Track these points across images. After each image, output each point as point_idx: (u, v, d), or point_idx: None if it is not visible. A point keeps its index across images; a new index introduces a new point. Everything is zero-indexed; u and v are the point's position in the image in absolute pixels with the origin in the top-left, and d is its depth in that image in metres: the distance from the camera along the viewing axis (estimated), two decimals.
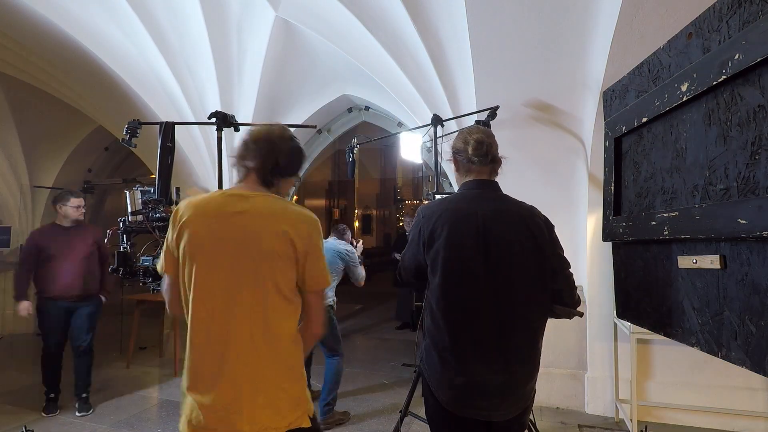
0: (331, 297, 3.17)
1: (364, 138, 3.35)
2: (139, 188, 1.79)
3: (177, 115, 4.03)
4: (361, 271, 3.38)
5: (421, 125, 3.25)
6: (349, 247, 3.36)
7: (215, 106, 4.01)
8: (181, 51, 3.77)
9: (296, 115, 4.51)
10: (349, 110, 4.79)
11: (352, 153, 3.11)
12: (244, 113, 4.20)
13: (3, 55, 4.01)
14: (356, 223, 12.48)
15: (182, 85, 3.91)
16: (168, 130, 1.79)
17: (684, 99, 1.57)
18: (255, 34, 3.74)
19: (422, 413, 2.38)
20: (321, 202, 14.50)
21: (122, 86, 3.77)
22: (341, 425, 3.12)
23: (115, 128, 4.65)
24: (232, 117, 1.85)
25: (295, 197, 5.44)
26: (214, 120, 1.82)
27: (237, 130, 1.90)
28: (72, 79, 4.06)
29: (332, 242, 3.35)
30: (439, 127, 2.86)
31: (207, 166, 4.38)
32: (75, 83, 4.13)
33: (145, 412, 3.31)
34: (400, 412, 2.45)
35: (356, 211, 13.63)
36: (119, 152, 6.47)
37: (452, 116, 3.24)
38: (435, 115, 2.83)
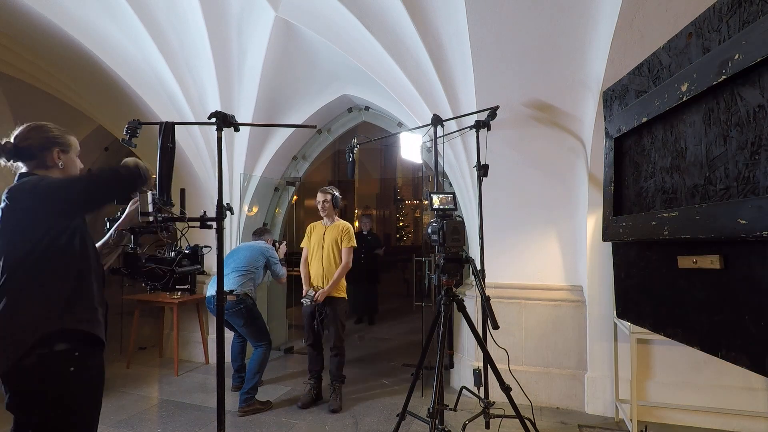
0: (250, 288, 3.50)
1: (364, 138, 3.34)
2: (151, 192, 1.78)
3: (177, 115, 4.03)
4: (280, 269, 3.78)
5: (420, 125, 3.25)
6: (268, 245, 3.79)
7: (215, 106, 4.01)
8: (181, 51, 3.76)
9: (296, 115, 4.51)
10: (349, 110, 4.79)
11: (352, 153, 3.11)
12: (244, 113, 4.20)
13: (3, 55, 4.00)
14: (356, 223, 12.47)
15: (182, 85, 3.91)
16: (168, 130, 1.78)
17: (684, 99, 1.57)
18: (255, 34, 3.74)
19: (422, 413, 2.39)
20: None
21: (122, 86, 3.76)
22: (262, 411, 3.30)
23: (115, 128, 4.65)
24: (232, 117, 1.84)
25: (295, 197, 5.43)
26: (214, 120, 1.81)
27: (237, 130, 1.90)
28: (72, 79, 4.06)
29: (254, 243, 3.81)
30: (439, 127, 2.86)
31: (207, 166, 4.38)
32: (75, 83, 4.13)
33: (145, 412, 3.31)
34: (398, 415, 2.46)
35: (356, 211, 13.62)
36: (119, 152, 6.46)
37: (452, 116, 3.24)
38: (435, 115, 2.83)
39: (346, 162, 3.17)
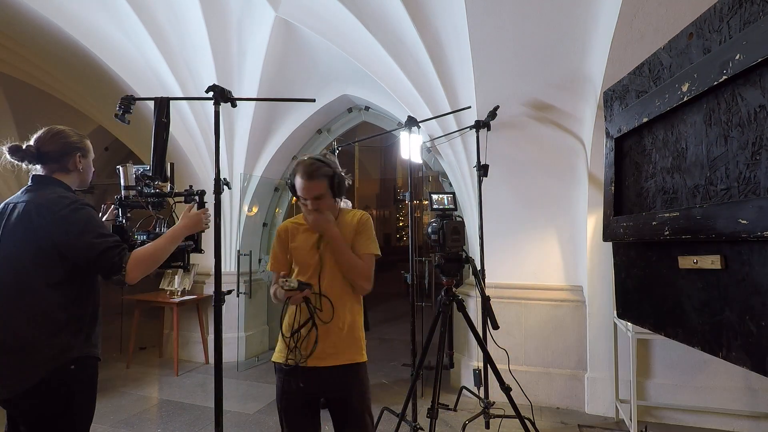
0: None
1: (344, 141, 3.33)
2: (133, 165, 1.77)
3: (177, 115, 4.03)
4: None
5: (399, 128, 3.21)
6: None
7: None
8: (181, 51, 3.76)
9: (296, 115, 4.51)
10: (349, 110, 4.79)
11: (333, 155, 3.05)
12: (244, 113, 4.19)
13: (3, 55, 4.00)
14: None
15: (182, 85, 3.90)
16: (163, 105, 1.76)
17: (685, 99, 1.56)
18: (255, 34, 3.74)
19: (422, 413, 2.39)
20: None
21: (122, 86, 3.76)
22: None
23: (115, 128, 4.65)
24: (230, 92, 1.84)
25: (294, 197, 5.43)
26: (211, 94, 1.81)
27: (234, 105, 1.90)
28: (72, 79, 4.06)
29: None
30: (438, 128, 2.85)
31: (205, 160, 4.37)
32: (75, 83, 4.13)
33: (145, 412, 3.31)
34: (398, 415, 2.45)
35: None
36: (119, 152, 6.46)
37: (432, 117, 3.20)
38: (409, 116, 2.81)
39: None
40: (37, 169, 1.51)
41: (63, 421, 1.38)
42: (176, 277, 4.50)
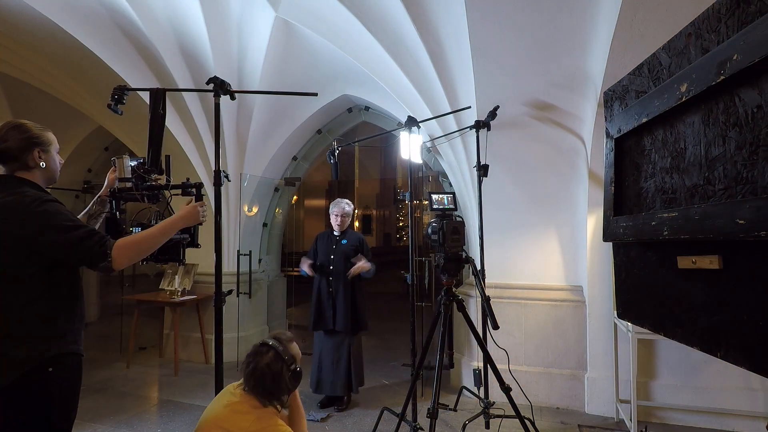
0: None
1: (344, 141, 3.33)
2: (129, 157, 1.73)
3: (177, 115, 4.03)
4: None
5: (400, 128, 3.21)
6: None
7: None
8: (181, 51, 3.77)
9: (296, 115, 4.52)
10: (349, 110, 4.79)
11: (333, 156, 3.04)
12: (244, 113, 4.19)
13: (3, 55, 4.01)
14: (356, 223, 12.48)
15: (183, 86, 3.91)
16: (159, 96, 1.74)
17: (683, 99, 1.57)
18: (255, 34, 3.74)
19: (422, 413, 2.39)
20: (321, 202, 14.51)
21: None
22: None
23: (115, 128, 4.65)
24: (229, 85, 1.84)
25: (295, 197, 5.44)
26: (211, 86, 1.81)
27: (233, 98, 1.90)
28: (72, 79, 4.06)
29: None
30: (438, 128, 2.85)
31: (205, 161, 4.37)
32: (75, 83, 4.14)
33: (145, 412, 3.31)
34: (398, 415, 2.46)
35: (356, 211, 13.65)
36: (119, 152, 6.45)
37: (430, 116, 3.20)
38: (409, 116, 2.80)
39: (330, 164, 3.10)
40: (2, 169, 1.45)
41: (40, 424, 1.33)
42: (176, 277, 4.51)
